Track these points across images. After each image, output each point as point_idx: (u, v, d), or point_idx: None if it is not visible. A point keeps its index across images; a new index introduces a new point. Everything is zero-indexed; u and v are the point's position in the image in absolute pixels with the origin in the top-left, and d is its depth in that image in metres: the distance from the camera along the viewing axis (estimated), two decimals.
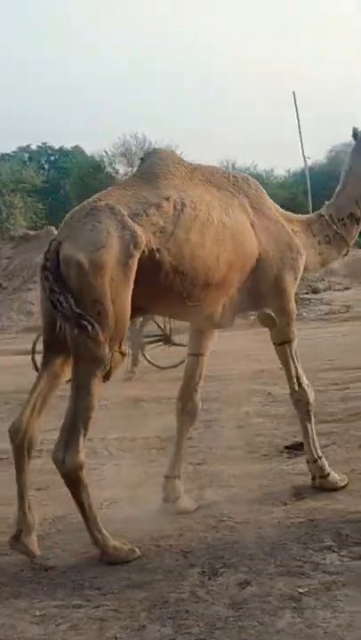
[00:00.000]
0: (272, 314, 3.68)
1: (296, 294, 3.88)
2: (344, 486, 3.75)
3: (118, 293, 3.03)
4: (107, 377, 3.07)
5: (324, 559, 2.95)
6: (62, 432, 3.05)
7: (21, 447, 3.19)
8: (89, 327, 2.94)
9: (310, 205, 24.94)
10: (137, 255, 3.09)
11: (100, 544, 3.12)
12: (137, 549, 3.14)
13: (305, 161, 25.84)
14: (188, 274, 3.27)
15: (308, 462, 3.85)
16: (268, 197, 3.77)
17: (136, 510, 3.62)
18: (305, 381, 3.90)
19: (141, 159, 3.62)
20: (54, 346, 3.19)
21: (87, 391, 3.02)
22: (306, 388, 3.87)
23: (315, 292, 19.04)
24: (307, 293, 18.72)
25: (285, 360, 3.84)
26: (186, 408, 3.79)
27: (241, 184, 3.67)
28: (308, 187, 24.86)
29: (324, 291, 18.88)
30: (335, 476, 3.79)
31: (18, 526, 3.17)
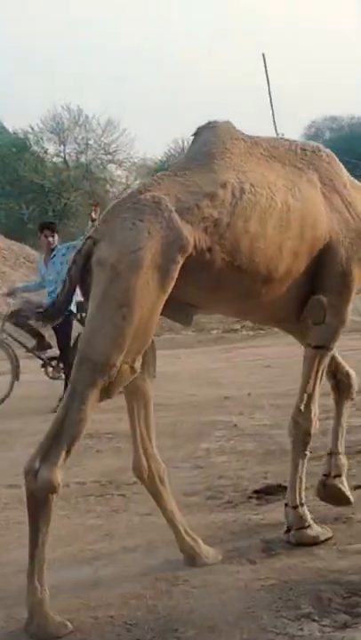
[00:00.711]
0: (324, 304, 3.73)
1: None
2: (325, 540, 3.80)
3: (149, 301, 3.17)
4: (107, 393, 3.17)
5: (301, 630, 2.97)
6: (44, 442, 3.12)
7: (152, 485, 3.59)
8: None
9: None
10: (181, 261, 3.23)
11: (36, 600, 3.06)
12: (69, 624, 3.08)
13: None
14: (247, 269, 3.43)
15: (286, 508, 3.88)
16: (345, 171, 3.88)
17: (69, 573, 3.60)
18: (316, 407, 3.94)
19: (194, 135, 3.72)
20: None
21: (81, 402, 3.11)
22: (313, 413, 3.92)
23: None
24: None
25: (309, 368, 3.87)
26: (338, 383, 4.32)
27: (310, 157, 3.81)
28: None
29: None
30: (317, 529, 3.83)
31: None
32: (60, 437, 3.11)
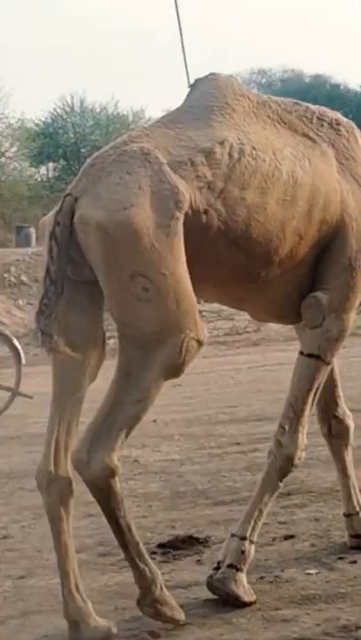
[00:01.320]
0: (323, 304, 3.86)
1: None
2: (246, 604, 3.84)
3: (169, 264, 3.38)
4: (175, 372, 3.49)
5: None
6: (91, 426, 3.46)
7: (54, 501, 3.63)
8: (40, 342, 3.41)
9: None
10: (180, 216, 3.43)
11: (148, 581, 3.53)
12: (182, 613, 3.60)
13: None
14: (243, 244, 3.63)
15: (230, 538, 3.97)
16: None
17: None
18: (304, 431, 4.06)
19: (191, 87, 3.94)
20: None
21: (138, 382, 3.42)
22: (300, 438, 4.03)
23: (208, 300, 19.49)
24: (197, 302, 19.13)
25: (299, 380, 4.05)
26: (332, 430, 4.49)
27: (327, 129, 4.02)
28: None
29: None
30: (244, 584, 3.88)
31: None
32: (114, 420, 3.45)
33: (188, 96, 3.90)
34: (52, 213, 3.55)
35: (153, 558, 4.46)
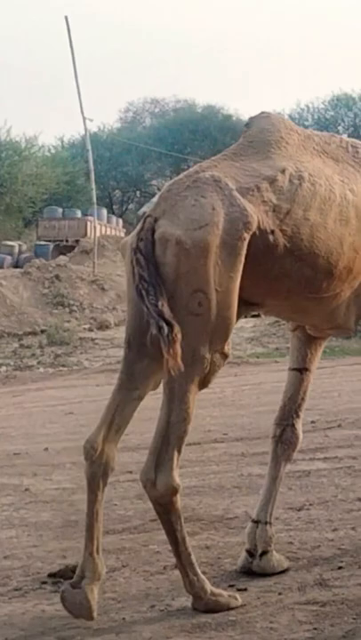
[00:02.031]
0: None
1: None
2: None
3: (224, 281, 3.80)
4: (204, 383, 3.89)
5: None
6: (153, 449, 3.90)
7: (96, 472, 4.05)
8: (165, 331, 3.62)
9: (94, 191, 25.64)
10: (247, 237, 3.86)
11: (197, 588, 3.95)
12: (238, 596, 4.01)
13: (85, 124, 26.45)
14: (307, 259, 4.08)
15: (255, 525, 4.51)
16: None
17: None
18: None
19: (246, 125, 4.46)
20: (140, 346, 3.99)
21: (182, 400, 3.84)
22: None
23: (101, 327, 19.46)
24: (90, 330, 19.08)
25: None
26: (283, 435, 4.65)
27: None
28: (91, 163, 25.47)
29: (117, 325, 19.41)
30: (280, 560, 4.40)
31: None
32: (167, 442, 3.87)
33: (245, 133, 4.39)
34: (132, 235, 3.97)
35: (43, 588, 4.45)
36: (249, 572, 4.41)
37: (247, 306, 4.13)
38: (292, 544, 4.82)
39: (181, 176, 4.11)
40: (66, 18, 25.76)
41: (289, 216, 4.03)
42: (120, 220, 41.37)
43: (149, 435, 8.38)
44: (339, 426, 8.14)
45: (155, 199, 4.09)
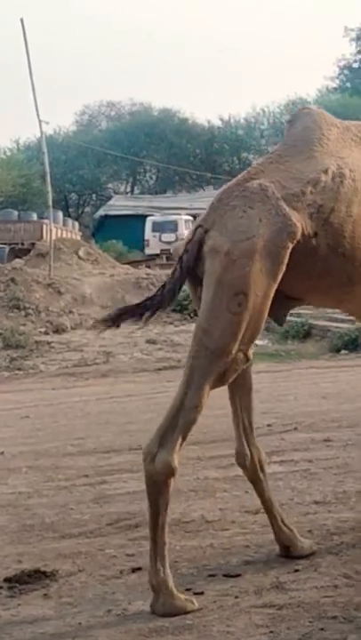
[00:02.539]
0: None
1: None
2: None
3: (263, 287, 4.05)
4: (222, 380, 4.11)
5: None
6: (161, 426, 4.07)
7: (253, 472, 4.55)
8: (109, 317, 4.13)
9: (50, 194, 25.54)
10: (290, 246, 4.09)
11: (160, 580, 4.01)
12: (194, 600, 4.02)
13: (41, 127, 26.31)
14: (350, 254, 4.29)
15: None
16: None
17: None
18: None
19: (288, 122, 4.68)
20: None
21: (199, 388, 4.03)
22: None
23: (58, 330, 19.37)
24: (46, 333, 18.99)
25: None
26: None
27: None
28: (47, 166, 25.35)
29: (73, 329, 19.35)
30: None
31: None
32: (177, 424, 4.03)
33: (288, 130, 4.63)
34: (185, 240, 4.25)
35: None
36: None
37: (290, 301, 4.40)
38: (248, 547, 4.84)
39: (231, 184, 4.34)
40: (21, 20, 25.56)
41: (333, 214, 4.26)
42: (76, 223, 41.28)
43: (106, 439, 8.42)
44: (295, 429, 8.19)
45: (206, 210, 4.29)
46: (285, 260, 4.09)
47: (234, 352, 4.03)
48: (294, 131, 4.58)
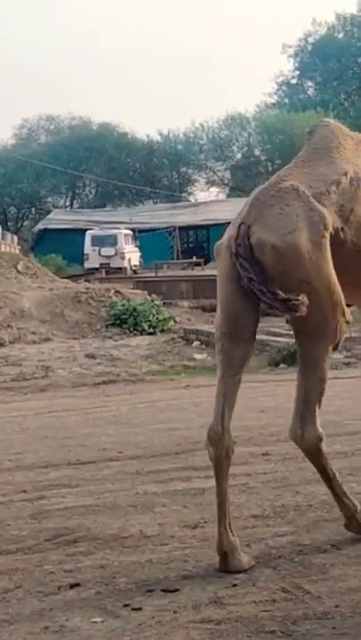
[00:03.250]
0: None
1: None
2: None
3: (321, 268, 4.58)
4: (336, 347, 4.80)
5: None
6: (297, 407, 4.80)
7: (220, 454, 4.73)
8: (299, 307, 4.38)
9: None
10: (327, 235, 4.61)
11: (351, 510, 4.97)
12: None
13: None
14: None
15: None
16: None
17: None
18: None
19: (308, 132, 5.25)
20: (236, 335, 4.72)
21: (320, 364, 4.76)
22: None
23: None
24: None
25: None
26: None
27: None
28: None
29: (12, 343, 19.18)
30: None
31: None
32: (310, 401, 4.77)
33: (309, 140, 5.19)
34: (225, 239, 4.74)
35: None
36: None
37: None
38: (187, 562, 4.83)
39: (266, 185, 4.83)
40: None
41: (352, 214, 4.80)
42: (15, 237, 40.93)
43: (44, 453, 8.34)
44: (234, 443, 8.19)
45: (245, 207, 4.74)
46: (328, 247, 4.61)
47: (336, 326, 4.68)
48: (314, 140, 5.15)
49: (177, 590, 4.40)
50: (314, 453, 4.84)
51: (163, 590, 4.42)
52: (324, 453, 4.85)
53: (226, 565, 4.62)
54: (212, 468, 4.78)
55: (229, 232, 4.74)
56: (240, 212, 4.78)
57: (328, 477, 4.93)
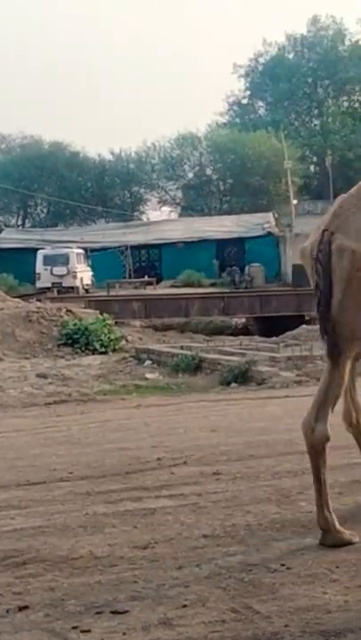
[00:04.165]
0: None
1: None
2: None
3: None
4: (358, 358, 5.24)
5: None
6: (315, 404, 5.20)
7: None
8: (327, 338, 5.04)
9: None
10: None
11: (329, 524, 5.19)
12: (356, 535, 5.19)
13: None
14: None
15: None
16: None
17: None
18: None
19: None
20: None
21: (342, 369, 5.11)
22: None
23: None
24: None
25: None
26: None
27: None
28: None
29: None
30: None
31: None
32: (327, 401, 5.16)
33: None
34: (309, 243, 5.20)
35: None
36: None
37: None
38: (136, 583, 4.81)
39: (348, 195, 5.18)
40: None
41: None
42: None
43: None
44: (184, 463, 8.19)
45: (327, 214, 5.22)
46: None
47: None
48: None
49: (126, 612, 4.38)
50: (318, 452, 5.17)
51: (112, 612, 4.40)
52: (325, 455, 5.18)
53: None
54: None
55: (313, 237, 5.15)
56: (323, 219, 5.20)
57: (320, 481, 5.22)
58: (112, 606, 4.47)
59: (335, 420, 5.45)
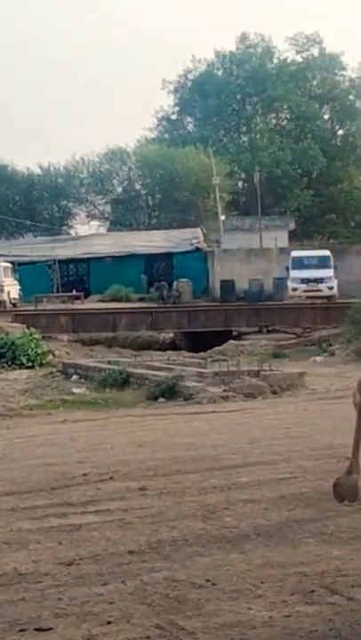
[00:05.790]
0: None
1: None
2: None
3: None
4: None
5: None
6: None
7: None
8: None
9: None
10: None
11: (354, 469, 6.47)
12: None
13: None
14: None
15: None
16: None
17: None
18: None
19: None
20: None
21: None
22: None
23: None
24: None
25: None
26: None
27: None
28: None
29: None
30: None
31: None
32: None
33: None
34: None
35: None
36: None
37: None
38: (60, 600, 4.77)
39: None
40: None
41: None
42: None
43: None
44: (111, 478, 8.16)
45: None
46: None
47: None
48: None
49: (50, 629, 4.35)
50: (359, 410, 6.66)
51: (36, 629, 4.35)
52: None
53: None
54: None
55: None
56: None
57: (358, 430, 6.62)
58: (36, 623, 4.43)
59: (260, 436, 5.47)
